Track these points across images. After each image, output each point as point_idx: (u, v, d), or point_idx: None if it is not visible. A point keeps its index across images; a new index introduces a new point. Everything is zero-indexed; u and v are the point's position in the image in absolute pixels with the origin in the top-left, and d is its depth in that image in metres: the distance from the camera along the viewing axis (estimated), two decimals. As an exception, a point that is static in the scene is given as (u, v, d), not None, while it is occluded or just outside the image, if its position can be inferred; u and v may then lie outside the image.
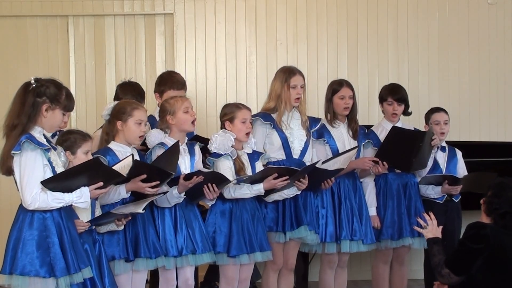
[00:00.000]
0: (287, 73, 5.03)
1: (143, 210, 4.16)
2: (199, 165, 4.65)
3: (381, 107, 5.46)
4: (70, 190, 3.74)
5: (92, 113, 6.70)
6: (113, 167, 4.00)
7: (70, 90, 3.91)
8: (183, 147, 4.57)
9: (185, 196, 4.48)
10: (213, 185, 4.46)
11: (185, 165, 4.55)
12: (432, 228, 4.05)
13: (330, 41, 6.79)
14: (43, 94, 3.73)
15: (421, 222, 4.10)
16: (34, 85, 3.73)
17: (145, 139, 4.55)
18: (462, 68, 6.85)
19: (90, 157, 4.02)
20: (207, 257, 4.56)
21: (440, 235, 4.05)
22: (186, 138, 4.69)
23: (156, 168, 4.25)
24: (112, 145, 4.35)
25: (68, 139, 4.04)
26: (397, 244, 5.26)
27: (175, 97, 4.71)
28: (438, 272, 3.87)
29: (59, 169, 3.79)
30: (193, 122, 4.60)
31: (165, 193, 4.35)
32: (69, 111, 3.91)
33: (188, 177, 4.39)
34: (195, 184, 4.41)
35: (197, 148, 4.69)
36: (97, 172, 3.80)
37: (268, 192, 4.77)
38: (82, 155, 4.00)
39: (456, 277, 3.83)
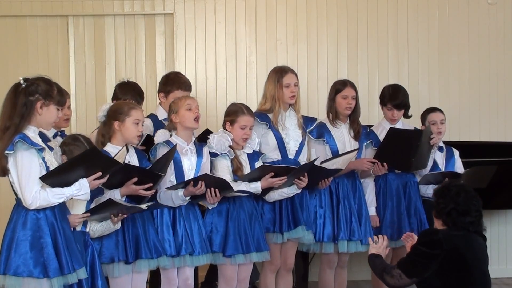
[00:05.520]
0: (279, 73, 5.03)
1: (146, 207, 4.16)
2: (206, 166, 4.66)
3: (381, 108, 5.46)
4: (68, 184, 3.73)
5: (92, 113, 6.70)
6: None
7: (59, 85, 3.89)
8: (189, 147, 4.60)
9: (190, 199, 4.49)
10: (216, 190, 4.48)
11: (190, 165, 4.57)
12: (380, 246, 4.13)
13: (330, 41, 6.79)
14: (35, 92, 3.71)
15: (375, 238, 4.18)
16: (24, 85, 3.72)
17: (151, 139, 4.60)
18: (462, 68, 6.84)
19: None
20: (203, 258, 4.57)
21: (383, 255, 4.13)
22: (194, 138, 4.70)
23: (145, 170, 4.28)
24: (108, 147, 4.34)
25: (69, 145, 4.03)
26: (396, 244, 5.26)
27: (181, 96, 4.75)
28: (388, 273, 3.93)
29: None
30: (196, 120, 4.61)
31: (152, 203, 4.34)
32: (62, 105, 3.89)
33: (196, 183, 4.40)
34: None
35: (205, 150, 4.70)
36: (95, 162, 3.78)
37: (267, 190, 4.78)
38: None
39: (407, 279, 3.90)
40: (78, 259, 3.80)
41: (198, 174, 4.56)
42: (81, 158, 3.76)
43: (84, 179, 3.77)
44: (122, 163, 4.01)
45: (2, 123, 3.71)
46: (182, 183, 4.44)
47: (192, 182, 4.40)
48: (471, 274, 3.83)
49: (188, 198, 4.46)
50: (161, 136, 4.61)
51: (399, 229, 5.27)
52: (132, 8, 6.76)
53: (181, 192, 4.42)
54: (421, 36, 6.82)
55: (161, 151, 4.51)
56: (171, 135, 4.62)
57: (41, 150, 3.72)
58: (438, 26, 6.83)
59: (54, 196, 3.68)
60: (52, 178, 3.69)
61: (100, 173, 3.81)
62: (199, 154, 4.64)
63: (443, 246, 3.81)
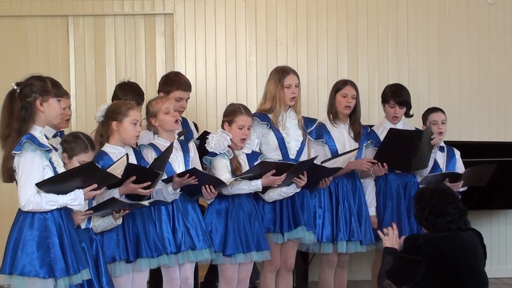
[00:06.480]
0: (281, 73, 5.03)
1: (148, 203, 4.16)
2: (195, 162, 4.67)
3: (383, 107, 5.46)
4: (64, 192, 3.73)
5: (92, 113, 6.59)
6: (108, 169, 4.00)
7: (53, 78, 3.87)
8: (174, 145, 4.59)
9: (180, 192, 4.48)
10: (210, 186, 4.49)
11: (178, 162, 4.57)
12: (392, 238, 4.16)
13: (330, 41, 6.80)
14: (30, 92, 3.71)
15: (385, 230, 4.21)
16: (18, 90, 3.72)
17: None
18: (462, 68, 6.85)
19: None
20: (207, 252, 4.57)
21: (397, 247, 4.14)
22: (176, 136, 4.71)
23: (144, 169, 4.29)
24: (107, 148, 4.35)
25: (70, 142, 4.04)
26: (396, 245, 5.26)
27: (156, 98, 4.76)
28: (380, 283, 3.99)
29: (61, 169, 3.78)
30: (176, 122, 4.61)
31: (153, 200, 4.36)
32: (61, 96, 3.88)
33: (183, 174, 4.41)
34: (193, 184, 4.42)
35: (191, 145, 4.72)
36: (92, 175, 3.80)
37: (266, 188, 4.77)
38: (76, 163, 3.99)
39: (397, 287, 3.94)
40: (82, 260, 3.81)
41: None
42: (78, 171, 3.78)
43: (80, 190, 3.77)
44: (120, 176, 4.01)
45: (1, 131, 3.73)
46: (171, 177, 4.44)
47: (176, 174, 4.40)
48: (460, 273, 3.84)
49: (178, 190, 4.44)
50: (144, 137, 4.60)
51: (398, 230, 5.25)
52: (132, 8, 6.76)
53: (169, 187, 4.42)
54: (421, 36, 6.82)
55: (145, 154, 4.52)
56: (154, 133, 4.62)
57: (48, 151, 3.72)
58: (438, 26, 6.83)
59: (48, 202, 3.68)
60: (49, 186, 3.68)
61: (95, 185, 3.82)
62: (185, 150, 4.65)
63: (424, 250, 3.82)
